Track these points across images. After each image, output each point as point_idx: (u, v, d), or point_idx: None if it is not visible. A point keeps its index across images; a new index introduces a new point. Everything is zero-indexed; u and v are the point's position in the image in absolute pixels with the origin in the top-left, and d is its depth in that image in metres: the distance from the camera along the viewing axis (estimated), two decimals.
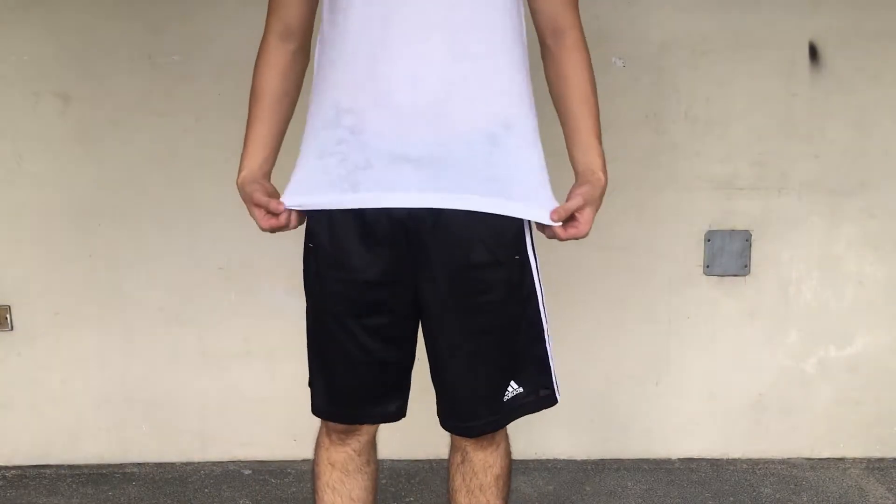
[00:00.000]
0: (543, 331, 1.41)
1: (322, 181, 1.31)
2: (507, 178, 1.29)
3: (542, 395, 1.42)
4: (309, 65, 1.45)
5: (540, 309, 1.40)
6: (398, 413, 1.48)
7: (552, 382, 1.44)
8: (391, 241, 1.30)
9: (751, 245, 2.36)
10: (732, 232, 2.35)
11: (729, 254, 2.35)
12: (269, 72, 1.42)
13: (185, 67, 2.26)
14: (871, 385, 2.42)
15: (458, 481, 1.47)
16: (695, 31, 2.27)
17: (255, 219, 1.37)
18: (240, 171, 1.41)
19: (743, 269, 2.36)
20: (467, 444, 1.44)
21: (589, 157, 1.37)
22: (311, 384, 1.47)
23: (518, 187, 1.31)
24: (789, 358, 2.42)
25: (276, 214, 1.34)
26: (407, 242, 1.30)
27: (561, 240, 1.35)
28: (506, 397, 1.39)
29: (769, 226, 2.35)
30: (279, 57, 1.41)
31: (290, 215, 1.35)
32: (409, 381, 1.45)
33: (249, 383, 2.41)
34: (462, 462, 1.46)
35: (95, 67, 2.26)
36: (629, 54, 2.28)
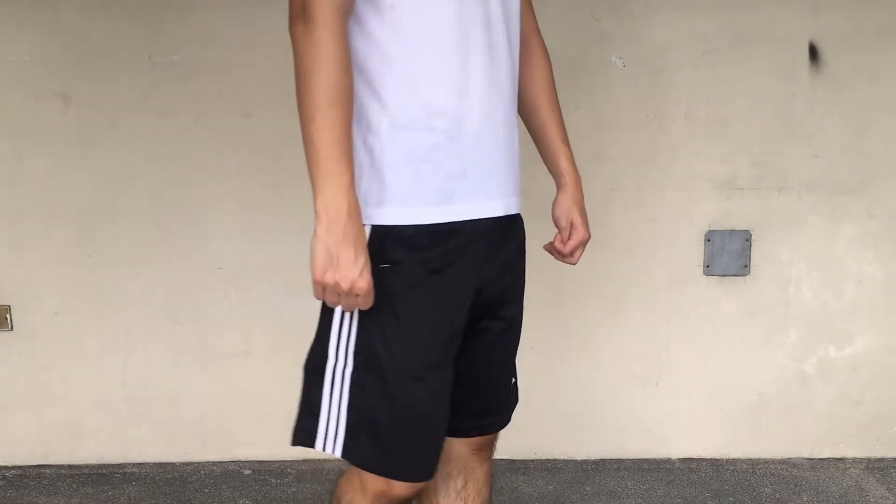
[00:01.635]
0: None
1: (415, 192, 1.14)
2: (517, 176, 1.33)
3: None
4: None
5: None
6: None
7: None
8: (476, 254, 1.21)
9: (751, 245, 2.36)
10: (732, 232, 2.35)
11: (729, 254, 2.35)
12: (344, 58, 1.06)
13: (185, 67, 2.26)
14: (871, 385, 2.42)
15: None
16: (695, 31, 2.27)
17: (359, 298, 1.09)
18: (339, 198, 1.05)
19: (743, 269, 2.36)
20: (475, 464, 1.40)
21: (563, 162, 1.38)
22: (377, 449, 1.19)
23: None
24: (789, 358, 2.42)
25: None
26: (484, 253, 1.22)
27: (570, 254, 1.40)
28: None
29: (769, 226, 2.35)
30: (345, 37, 1.07)
31: None
32: None
33: (249, 383, 2.41)
34: (465, 486, 1.40)
35: (95, 67, 2.26)
36: (629, 54, 2.28)
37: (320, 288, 1.08)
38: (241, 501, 2.23)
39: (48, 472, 2.40)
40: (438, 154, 1.14)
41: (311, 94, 1.06)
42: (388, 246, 1.14)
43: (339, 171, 1.04)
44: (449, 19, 1.13)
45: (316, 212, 1.04)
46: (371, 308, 1.11)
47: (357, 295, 1.07)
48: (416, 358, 1.17)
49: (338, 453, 1.18)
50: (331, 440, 1.19)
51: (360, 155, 1.13)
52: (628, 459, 2.45)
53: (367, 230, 1.12)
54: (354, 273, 1.05)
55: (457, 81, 1.14)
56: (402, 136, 1.13)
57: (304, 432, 1.23)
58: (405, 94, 1.13)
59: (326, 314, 1.17)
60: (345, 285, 1.05)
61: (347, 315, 1.15)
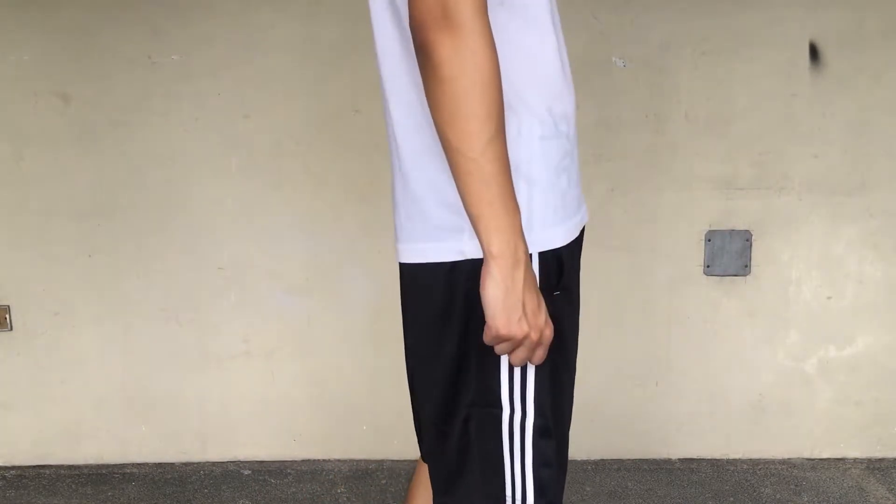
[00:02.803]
0: None
1: (564, 206, 1.04)
2: None
3: None
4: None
5: None
6: None
7: None
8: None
9: (751, 245, 2.36)
10: (732, 232, 2.35)
11: (729, 254, 2.35)
12: (499, 71, 0.90)
13: (185, 67, 2.26)
14: (871, 385, 2.42)
15: None
16: (695, 31, 2.27)
17: (541, 349, 0.96)
18: (518, 238, 0.92)
19: (743, 269, 2.36)
20: None
21: None
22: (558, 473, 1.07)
23: None
24: (789, 358, 2.42)
25: None
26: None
27: None
28: None
29: (769, 226, 2.35)
30: (494, 45, 0.91)
31: None
32: None
33: (249, 383, 2.41)
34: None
35: (95, 67, 2.26)
36: (629, 54, 2.28)
37: (504, 341, 0.93)
38: (241, 502, 2.23)
39: (48, 472, 2.39)
40: (566, 160, 1.04)
41: (474, 119, 0.88)
42: (552, 272, 1.02)
43: (514, 206, 0.91)
44: (544, 15, 1.02)
45: (491, 254, 0.90)
46: (553, 343, 0.98)
47: (542, 345, 0.95)
48: (572, 391, 1.09)
49: None
50: (518, 501, 1.04)
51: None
52: (628, 459, 2.45)
53: (535, 259, 1.00)
54: (541, 321, 0.94)
55: (560, 81, 1.03)
56: (547, 146, 1.01)
57: (489, 498, 1.04)
58: (537, 98, 1.00)
59: (489, 355, 1.00)
60: (535, 336, 0.93)
61: None
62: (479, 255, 0.97)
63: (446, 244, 1.00)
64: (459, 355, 1.02)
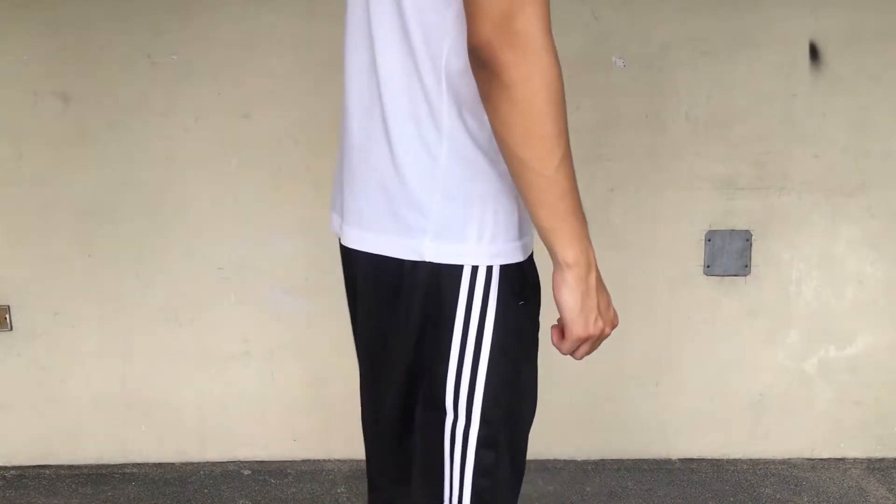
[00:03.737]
0: None
1: (524, 218, 1.03)
2: None
3: None
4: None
5: None
6: None
7: None
8: None
9: (751, 245, 2.36)
10: (732, 232, 2.35)
11: (729, 254, 2.35)
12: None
13: (185, 67, 2.26)
14: (871, 385, 2.42)
15: None
16: (695, 31, 2.27)
17: (603, 331, 1.03)
18: (589, 245, 0.97)
19: (743, 269, 2.36)
20: None
21: None
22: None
23: None
24: (789, 358, 2.42)
25: None
26: None
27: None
28: None
29: (769, 226, 2.35)
30: None
31: None
32: None
33: (249, 383, 2.41)
34: None
35: (95, 67, 2.26)
36: (629, 54, 2.28)
37: (580, 342, 0.99)
38: (241, 502, 2.23)
39: (47, 472, 2.39)
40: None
41: (549, 138, 0.88)
42: (529, 280, 1.05)
43: (583, 216, 0.95)
44: None
45: (567, 264, 0.93)
46: (511, 353, 1.01)
47: (605, 338, 1.03)
48: (535, 404, 1.08)
49: None
50: None
51: (497, 184, 0.98)
52: (628, 459, 2.45)
53: (496, 271, 0.99)
54: (612, 314, 1.03)
55: None
56: (500, 166, 1.00)
57: (429, 500, 1.06)
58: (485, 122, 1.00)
59: (438, 361, 1.01)
60: (609, 330, 1.01)
61: (468, 362, 1.00)
62: (438, 261, 0.98)
63: (410, 241, 0.99)
64: (412, 361, 1.03)
